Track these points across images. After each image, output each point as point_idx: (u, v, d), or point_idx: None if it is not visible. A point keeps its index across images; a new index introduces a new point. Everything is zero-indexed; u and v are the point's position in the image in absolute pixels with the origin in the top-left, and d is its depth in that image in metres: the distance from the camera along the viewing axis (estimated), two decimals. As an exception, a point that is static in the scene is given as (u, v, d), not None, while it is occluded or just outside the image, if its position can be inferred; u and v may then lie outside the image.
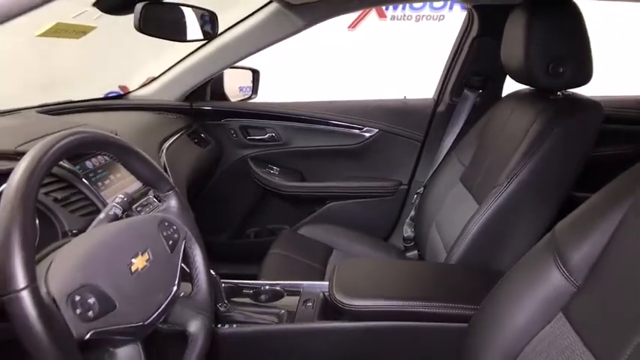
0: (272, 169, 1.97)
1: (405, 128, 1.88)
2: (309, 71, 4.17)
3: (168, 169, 1.46)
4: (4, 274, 0.53)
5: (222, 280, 1.14)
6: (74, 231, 0.92)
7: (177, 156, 1.58)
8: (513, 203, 1.16)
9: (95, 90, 2.38)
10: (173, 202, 0.88)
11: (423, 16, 4.58)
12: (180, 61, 1.80)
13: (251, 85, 2.10)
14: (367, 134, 1.90)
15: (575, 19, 1.17)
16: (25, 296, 0.52)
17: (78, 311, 0.59)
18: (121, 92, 2.00)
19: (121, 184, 1.18)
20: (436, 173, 1.72)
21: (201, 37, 1.16)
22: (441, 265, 1.30)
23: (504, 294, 0.89)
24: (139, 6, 1.00)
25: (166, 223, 0.82)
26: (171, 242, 0.80)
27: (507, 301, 0.86)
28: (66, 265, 0.62)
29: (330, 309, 1.13)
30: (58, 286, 0.58)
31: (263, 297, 1.22)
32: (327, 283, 1.14)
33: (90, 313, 0.60)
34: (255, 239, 2.08)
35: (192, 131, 1.80)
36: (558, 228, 0.84)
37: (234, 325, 1.09)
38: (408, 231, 1.81)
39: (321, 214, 1.96)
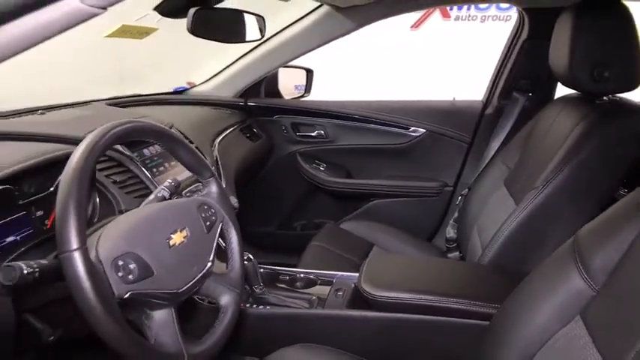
0: (319, 165, 2.04)
1: (453, 129, 1.89)
2: (370, 69, 4.21)
3: (219, 160, 1.57)
4: (61, 237, 0.63)
5: (260, 266, 1.22)
6: (128, 210, 1.04)
7: (229, 149, 1.70)
8: (548, 207, 1.16)
9: (165, 85, 2.57)
10: (213, 188, 0.97)
11: (488, 16, 4.47)
12: (237, 60, 1.91)
13: (305, 82, 2.18)
14: (414, 134, 1.93)
15: (624, 22, 1.15)
16: (77, 256, 0.63)
17: (120, 274, 0.69)
18: (189, 87, 2.16)
19: (174, 172, 1.30)
20: (481, 175, 1.71)
21: (250, 39, 1.25)
22: (469, 265, 1.32)
23: (526, 295, 0.90)
24: (191, 11, 1.10)
25: (206, 206, 0.91)
26: (208, 223, 0.89)
27: (528, 301, 0.88)
28: (113, 235, 0.72)
29: (359, 299, 1.19)
30: (105, 252, 0.69)
31: (298, 284, 1.30)
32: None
33: (130, 277, 0.69)
34: (301, 232, 2.16)
35: (245, 126, 1.91)
36: (581, 233, 0.85)
37: (268, 307, 1.18)
38: (451, 232, 1.82)
39: (365, 211, 2.01)
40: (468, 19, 4.55)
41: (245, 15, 1.24)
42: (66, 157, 0.95)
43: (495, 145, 1.77)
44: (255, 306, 1.18)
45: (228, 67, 1.96)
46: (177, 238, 0.80)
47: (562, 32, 1.23)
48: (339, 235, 1.75)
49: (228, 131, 1.76)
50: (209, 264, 0.86)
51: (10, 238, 0.87)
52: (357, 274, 1.25)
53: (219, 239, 0.93)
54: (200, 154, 0.96)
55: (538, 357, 0.81)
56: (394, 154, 1.98)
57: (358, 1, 1.45)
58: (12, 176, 0.85)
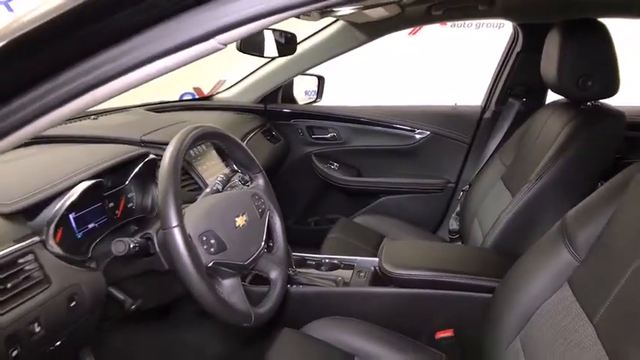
0: (332, 164, 2.22)
1: (454, 132, 2.07)
2: (369, 76, 4.36)
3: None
4: (164, 216, 0.81)
5: (292, 253, 1.41)
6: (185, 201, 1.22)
7: (253, 149, 1.86)
8: (540, 197, 1.35)
9: (172, 92, 2.74)
10: (261, 182, 1.15)
11: (483, 23, 4.66)
12: (257, 69, 2.09)
13: (316, 89, 2.36)
14: (419, 136, 2.11)
15: (603, 39, 1.34)
16: (177, 231, 0.81)
17: (204, 247, 0.87)
18: (195, 93, 2.33)
19: (214, 170, 1.48)
20: (480, 173, 1.89)
21: (283, 54, 1.42)
22: (473, 248, 1.50)
23: (523, 269, 1.09)
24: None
25: (257, 196, 1.09)
26: (260, 210, 1.08)
27: (525, 274, 1.06)
28: (196, 216, 0.90)
29: (378, 279, 1.37)
30: (192, 229, 0.87)
31: (323, 267, 1.48)
32: (378, 259, 1.38)
33: (211, 249, 0.88)
34: (314, 227, 2.34)
35: (265, 129, 2.09)
36: (568, 215, 1.03)
37: (300, 286, 1.36)
38: (453, 224, 2.00)
39: (375, 206, 2.19)
40: (464, 26, 4.73)
41: (278, 33, 1.42)
42: (138, 157, 1.13)
43: (493, 145, 1.96)
44: (290, 285, 1.36)
45: (248, 76, 2.14)
46: (240, 221, 0.98)
47: (551, 46, 1.42)
48: (352, 228, 1.93)
49: (252, 134, 1.94)
50: (262, 244, 1.05)
51: (92, 225, 1.04)
52: (375, 259, 1.43)
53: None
54: (251, 154, 1.14)
55: (534, 318, 0.99)
56: (401, 154, 2.16)
57: (374, 17, 1.63)
58: (99, 173, 1.03)
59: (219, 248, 0.89)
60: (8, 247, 0.83)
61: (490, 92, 2.03)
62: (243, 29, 0.54)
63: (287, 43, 1.39)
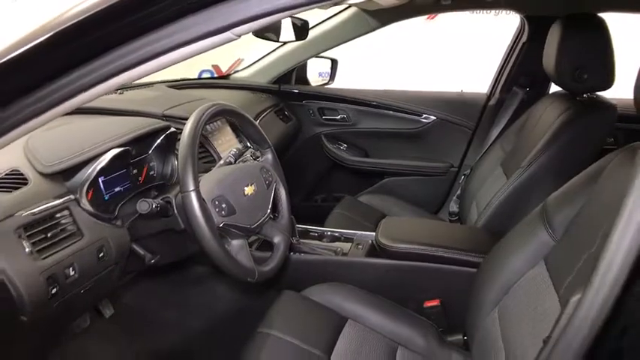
0: (341, 145, 2.33)
1: (459, 117, 2.16)
2: (385, 58, 4.42)
3: None
4: (183, 181, 0.93)
5: (296, 225, 1.53)
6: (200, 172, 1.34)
7: (266, 128, 1.98)
8: (530, 182, 1.44)
9: (192, 68, 2.84)
10: (270, 157, 1.27)
11: (502, 10, 4.65)
12: (273, 51, 2.19)
13: (329, 71, 2.45)
14: (425, 120, 2.20)
15: (601, 34, 1.41)
16: (193, 195, 0.93)
17: (216, 210, 0.99)
18: (214, 70, 2.44)
19: (228, 145, 1.60)
20: (482, 158, 1.98)
21: (296, 39, 1.51)
22: (464, 226, 1.61)
23: (505, 247, 1.19)
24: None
25: (265, 169, 1.21)
26: (267, 182, 1.19)
27: (506, 251, 1.17)
28: (210, 182, 1.02)
29: (374, 251, 1.49)
30: (206, 194, 0.99)
31: (325, 239, 1.60)
32: (375, 233, 1.49)
33: (222, 212, 1.00)
34: (321, 203, 2.45)
35: (278, 109, 2.19)
36: (549, 199, 1.13)
37: (302, 254, 1.48)
38: (454, 207, 2.10)
39: (379, 186, 2.30)
40: (482, 12, 4.73)
41: (292, 19, 1.51)
42: (161, 129, 1.25)
43: (496, 132, 2.04)
44: (292, 253, 1.48)
45: (264, 57, 2.24)
46: (248, 190, 1.10)
47: (552, 39, 1.50)
48: (356, 206, 2.04)
49: (266, 113, 2.05)
50: (268, 211, 1.17)
51: (118, 188, 1.17)
52: (373, 233, 1.55)
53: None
54: (262, 131, 1.25)
55: (511, 291, 1.10)
56: (407, 138, 2.25)
57: (384, 5, 1.71)
58: (127, 142, 1.15)
59: (229, 212, 1.02)
60: (48, 202, 0.96)
61: (496, 80, 2.10)
62: (254, 24, 0.65)
63: (299, 30, 1.48)
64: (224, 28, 0.64)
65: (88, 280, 1.01)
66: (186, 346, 1.58)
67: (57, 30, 0.60)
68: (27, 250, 0.88)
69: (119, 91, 1.63)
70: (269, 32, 1.45)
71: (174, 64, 0.68)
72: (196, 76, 3.18)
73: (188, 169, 0.94)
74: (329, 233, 1.61)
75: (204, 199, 0.97)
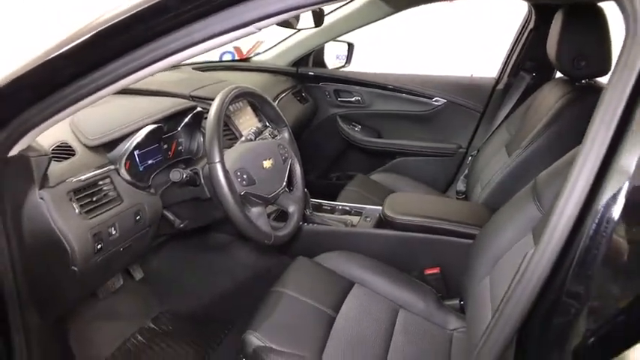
0: (355, 126, 2.44)
1: (469, 101, 2.25)
2: (405, 40, 4.44)
3: None
4: (210, 154, 1.07)
5: (310, 199, 1.66)
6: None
7: (284, 108, 2.11)
8: (528, 162, 1.54)
9: (214, 50, 2.97)
10: (286, 135, 1.40)
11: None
12: (291, 35, 2.30)
13: (346, 54, 2.55)
14: (436, 103, 2.29)
15: (600, 23, 1.48)
16: (219, 165, 1.07)
17: (238, 180, 1.13)
18: (235, 52, 2.56)
19: (249, 124, 1.73)
20: (488, 140, 2.07)
21: (311, 26, 1.63)
22: (466, 202, 1.72)
23: (498, 220, 1.30)
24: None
25: (281, 146, 1.34)
26: (283, 158, 1.33)
27: (499, 224, 1.28)
28: (232, 156, 1.16)
29: (381, 223, 1.62)
30: (229, 166, 1.13)
31: (336, 212, 1.73)
32: (382, 207, 1.62)
33: (243, 182, 1.14)
34: (336, 181, 2.58)
35: (296, 91, 2.31)
36: (539, 176, 1.23)
37: (315, 225, 1.62)
38: (461, 186, 2.20)
39: (391, 166, 2.41)
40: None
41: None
42: (188, 108, 1.39)
43: (502, 115, 2.12)
44: (306, 224, 1.62)
45: (283, 40, 2.35)
46: (266, 164, 1.24)
47: (555, 27, 1.57)
48: (368, 183, 2.17)
49: (284, 94, 2.18)
50: (284, 184, 1.30)
51: (150, 161, 1.32)
52: (380, 207, 1.67)
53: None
54: (279, 111, 1.38)
55: (501, 260, 1.20)
56: (418, 120, 2.35)
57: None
58: (159, 119, 1.29)
59: (250, 182, 1.15)
60: (92, 171, 1.11)
61: (504, 65, 2.18)
62: (273, 19, 0.77)
63: (315, 17, 1.59)
64: (248, 22, 0.77)
65: (127, 240, 1.16)
66: (208, 307, 1.74)
67: (112, 22, 0.73)
68: (77, 211, 1.03)
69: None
70: (287, 21, 1.55)
71: (207, 51, 0.81)
72: (218, 58, 3.31)
73: (214, 143, 1.07)
74: (340, 207, 1.74)
75: (227, 171, 1.11)
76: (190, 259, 1.79)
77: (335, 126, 2.45)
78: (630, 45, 0.63)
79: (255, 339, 1.15)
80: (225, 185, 1.07)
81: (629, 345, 0.59)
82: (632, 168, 0.60)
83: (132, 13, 0.72)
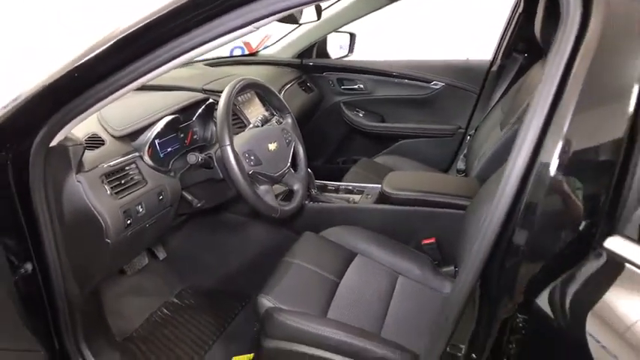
0: (359, 112, 2.57)
1: (466, 83, 2.36)
2: (404, 26, 4.50)
3: None
4: (221, 138, 1.22)
5: (315, 180, 1.81)
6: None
7: (291, 98, 2.26)
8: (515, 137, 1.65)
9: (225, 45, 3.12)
10: (289, 120, 1.54)
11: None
12: (295, 29, 2.43)
13: (349, 43, 2.66)
14: (435, 87, 2.41)
15: None
16: (229, 148, 1.22)
17: (247, 160, 1.28)
18: (244, 46, 2.70)
19: (257, 113, 1.88)
20: (485, 119, 2.18)
21: (309, 20, 1.75)
22: (459, 177, 1.84)
23: (486, 190, 1.42)
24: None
25: (285, 131, 1.49)
26: (287, 141, 1.47)
27: (487, 194, 1.40)
28: (241, 141, 1.31)
29: (381, 199, 1.75)
30: (238, 148, 1.28)
31: (340, 192, 1.87)
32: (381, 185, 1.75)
33: (251, 163, 1.29)
34: (342, 165, 2.72)
35: (301, 81, 2.45)
36: None
37: (320, 203, 1.76)
38: (461, 164, 2.32)
39: (394, 148, 2.54)
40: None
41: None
42: (202, 100, 1.54)
43: (497, 95, 2.23)
44: (312, 202, 1.76)
45: (287, 34, 2.49)
46: (271, 146, 1.38)
47: (540, 9, 1.68)
48: (371, 165, 2.30)
49: (289, 85, 2.32)
50: (288, 164, 1.45)
51: (169, 149, 1.47)
52: (380, 185, 1.80)
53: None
54: (282, 99, 1.52)
55: (489, 225, 1.34)
56: (419, 103, 2.47)
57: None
58: (176, 111, 1.44)
59: (257, 162, 1.30)
60: (120, 158, 1.27)
61: (498, 47, 2.29)
62: (270, 19, 0.91)
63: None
64: (248, 23, 0.91)
65: (152, 217, 1.32)
66: (225, 282, 1.91)
67: (135, 27, 0.88)
68: (108, 192, 1.19)
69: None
70: (288, 17, 1.69)
71: (214, 49, 0.96)
72: (229, 53, 3.45)
73: (225, 128, 1.23)
74: (343, 187, 1.88)
75: (237, 152, 1.26)
76: (208, 239, 1.95)
77: (340, 113, 2.58)
78: (563, 29, 0.75)
79: (266, 301, 1.31)
80: (235, 165, 1.22)
81: (563, 271, 0.72)
82: (565, 129, 0.72)
83: (151, 19, 0.86)
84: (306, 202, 1.76)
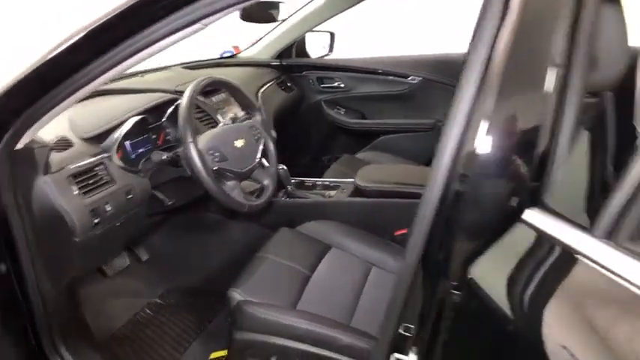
0: (340, 109, 2.60)
1: (443, 77, 2.38)
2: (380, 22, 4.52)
3: (262, 106, 2.16)
4: (183, 135, 1.25)
5: (292, 178, 1.83)
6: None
7: (270, 98, 2.29)
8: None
9: (215, 49, 3.15)
10: (258, 117, 1.57)
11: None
12: (273, 29, 2.47)
13: (329, 42, 2.69)
14: (412, 82, 2.43)
15: None
16: (191, 145, 1.24)
17: (211, 157, 1.30)
18: (234, 50, 2.73)
19: (230, 113, 1.90)
20: (462, 112, 2.20)
21: (278, 20, 1.78)
22: (429, 168, 1.86)
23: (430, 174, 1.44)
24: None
25: (254, 127, 1.51)
26: (256, 137, 1.50)
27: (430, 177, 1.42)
28: (207, 138, 1.34)
29: (355, 193, 1.78)
30: (202, 145, 1.30)
31: (317, 188, 1.90)
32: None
33: (216, 159, 1.31)
34: (327, 163, 2.73)
35: (280, 81, 2.48)
36: None
37: (296, 199, 1.79)
38: (441, 158, 2.34)
39: (375, 144, 2.56)
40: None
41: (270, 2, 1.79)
42: (170, 101, 1.57)
43: (474, 87, 2.24)
44: (288, 198, 1.79)
45: (266, 35, 2.52)
46: (238, 143, 1.41)
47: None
48: (352, 161, 2.33)
49: (269, 85, 2.35)
50: (257, 160, 1.47)
51: (141, 149, 1.50)
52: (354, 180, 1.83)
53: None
54: (249, 97, 1.55)
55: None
56: (398, 98, 2.49)
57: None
58: (143, 112, 1.47)
59: (222, 159, 1.33)
60: (87, 159, 1.29)
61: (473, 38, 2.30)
62: (217, 15, 0.94)
63: (270, 10, 1.75)
64: (194, 21, 0.93)
65: (121, 216, 1.35)
66: (207, 281, 1.93)
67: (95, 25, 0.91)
68: (75, 192, 1.22)
69: (140, 74, 1.96)
70: (253, 17, 1.72)
71: (162, 50, 0.98)
72: (218, 56, 3.48)
73: (187, 126, 1.25)
74: (319, 183, 1.90)
75: (199, 149, 1.28)
76: (190, 239, 1.98)
77: (321, 111, 2.61)
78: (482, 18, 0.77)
79: (237, 295, 1.33)
80: (198, 162, 1.25)
81: (492, 242, 0.74)
82: (488, 111, 0.74)
83: (112, 14, 0.89)
84: (283, 198, 1.79)
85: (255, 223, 1.84)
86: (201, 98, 1.78)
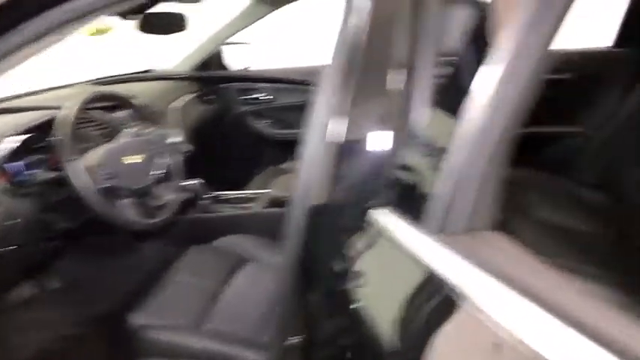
0: (265, 120, 2.55)
1: None
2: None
3: (181, 120, 2.09)
4: (62, 154, 1.17)
5: (210, 192, 1.77)
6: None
7: (189, 112, 2.22)
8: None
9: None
10: (161, 131, 1.50)
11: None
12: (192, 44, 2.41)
13: (248, 54, 2.65)
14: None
15: None
16: (72, 163, 1.17)
17: (99, 175, 1.23)
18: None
19: (137, 128, 1.82)
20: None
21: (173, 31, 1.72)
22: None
23: None
24: (140, 15, 1.57)
25: (152, 142, 1.45)
26: (153, 152, 1.43)
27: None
28: (95, 156, 1.26)
29: (272, 204, 1.74)
30: (89, 163, 1.23)
31: (232, 201, 1.85)
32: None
33: (104, 177, 1.24)
34: (253, 176, 2.69)
35: (200, 94, 2.41)
36: None
37: (212, 214, 1.73)
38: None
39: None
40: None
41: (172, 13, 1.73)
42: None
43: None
44: (204, 214, 1.73)
45: (184, 49, 2.46)
46: (131, 159, 1.34)
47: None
48: (277, 173, 2.30)
49: (188, 98, 2.28)
50: (152, 175, 1.41)
51: (34, 170, 1.39)
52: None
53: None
54: (151, 110, 1.49)
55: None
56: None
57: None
58: (26, 131, 1.37)
59: (112, 176, 1.26)
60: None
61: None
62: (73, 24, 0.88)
63: (176, 22, 1.69)
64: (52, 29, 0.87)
65: (7, 244, 1.24)
66: (123, 305, 1.83)
67: None
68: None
69: (40, 93, 1.85)
70: (154, 29, 1.65)
71: (22, 62, 0.91)
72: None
73: (65, 145, 1.18)
74: (235, 196, 1.86)
75: (88, 166, 1.21)
76: (100, 263, 1.87)
77: (245, 123, 2.56)
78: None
79: (138, 319, 1.26)
80: (81, 180, 1.17)
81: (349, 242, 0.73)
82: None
83: None
84: (197, 214, 1.73)
85: (170, 242, 1.76)
86: (97, 113, 1.69)
